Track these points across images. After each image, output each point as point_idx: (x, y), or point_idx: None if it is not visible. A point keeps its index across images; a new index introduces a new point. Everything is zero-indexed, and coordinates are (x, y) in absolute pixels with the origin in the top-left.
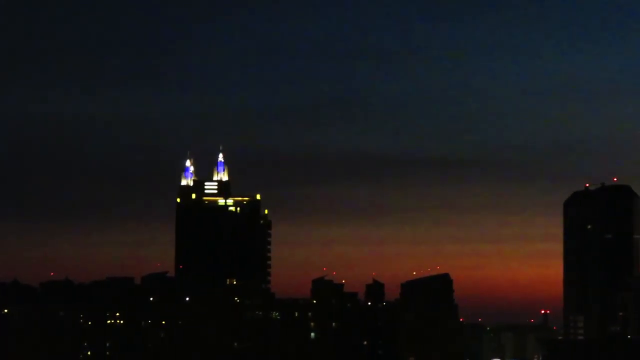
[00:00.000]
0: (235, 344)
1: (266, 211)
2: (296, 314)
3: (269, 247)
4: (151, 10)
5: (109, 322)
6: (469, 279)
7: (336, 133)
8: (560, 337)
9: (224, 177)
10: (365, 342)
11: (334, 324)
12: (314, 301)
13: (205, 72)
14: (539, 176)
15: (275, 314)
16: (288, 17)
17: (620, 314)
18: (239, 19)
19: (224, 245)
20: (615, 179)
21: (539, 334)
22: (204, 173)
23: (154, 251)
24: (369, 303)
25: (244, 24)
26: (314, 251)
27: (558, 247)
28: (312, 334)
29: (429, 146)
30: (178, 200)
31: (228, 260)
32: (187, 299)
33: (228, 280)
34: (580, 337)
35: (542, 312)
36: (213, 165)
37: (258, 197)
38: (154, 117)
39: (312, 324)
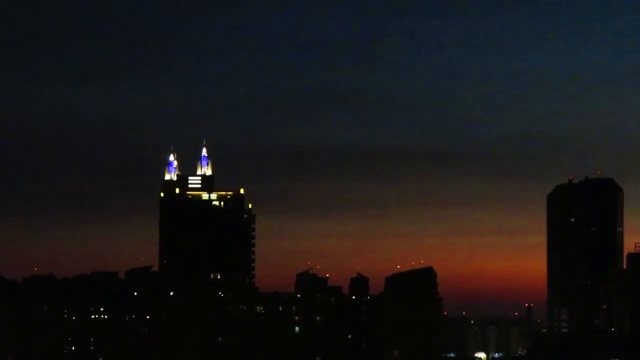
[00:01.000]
0: (220, 338)
1: (250, 205)
2: (280, 308)
3: (253, 241)
4: (133, 4)
5: (93, 317)
6: (453, 272)
7: (321, 127)
8: (544, 331)
9: (208, 171)
10: (349, 336)
11: (318, 318)
12: (298, 295)
13: (188, 66)
14: (523, 169)
15: (259, 308)
16: (272, 9)
17: (604, 307)
18: (223, 11)
19: (208, 239)
20: (598, 172)
21: (522, 327)
22: (187, 167)
23: (137, 246)
24: (353, 297)
25: (228, 17)
26: (298, 245)
27: (542, 241)
28: (297, 328)
29: (414, 141)
30: (162, 194)
31: (212, 255)
32: (171, 293)
33: (212, 274)
34: (564, 330)
35: (526, 305)
36: (197, 159)
37: (242, 191)
38: (137, 112)
39: (296, 318)
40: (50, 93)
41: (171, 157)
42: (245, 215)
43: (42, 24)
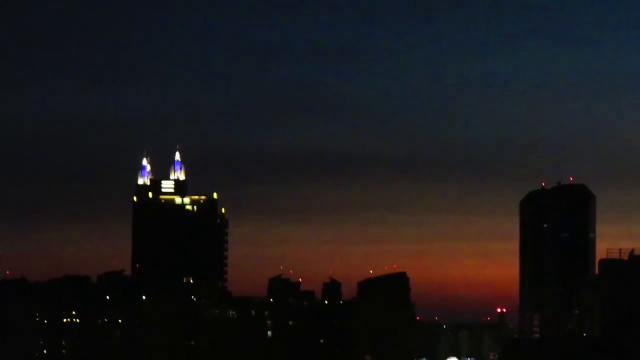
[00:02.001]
0: (192, 342)
1: (223, 210)
2: (253, 313)
3: (226, 245)
4: (106, 8)
5: (65, 320)
6: (425, 277)
7: (295, 132)
8: (516, 336)
9: (181, 175)
10: (321, 341)
11: (290, 322)
12: (271, 300)
13: (162, 70)
14: (495, 175)
15: (232, 313)
16: (245, 13)
17: (576, 312)
18: (196, 16)
19: (181, 244)
20: (571, 178)
21: (495, 332)
22: (160, 172)
23: (110, 250)
24: (326, 302)
25: (201, 21)
26: (271, 250)
27: (514, 246)
28: (269, 332)
29: (388, 146)
30: (135, 198)
31: (185, 259)
32: (144, 297)
33: (185, 278)
34: (536, 336)
35: (499, 310)
36: (170, 164)
37: (215, 195)
38: (110, 116)
39: (268, 322)
40: (21, 96)
41: (144, 162)
42: (218, 220)
43: (9, 25)
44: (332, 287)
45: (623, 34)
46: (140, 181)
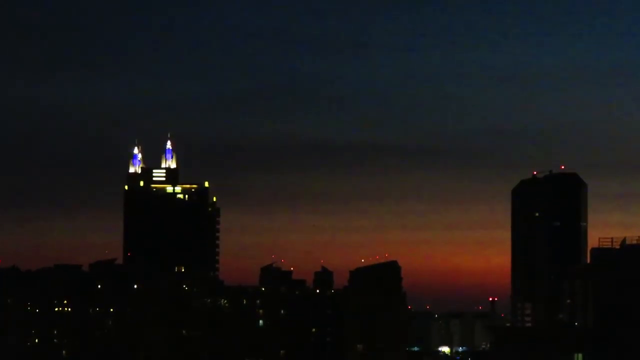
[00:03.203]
0: (184, 331)
1: (214, 199)
2: (244, 301)
3: (217, 234)
4: None
5: (56, 309)
6: (417, 266)
7: (287, 121)
8: (507, 325)
9: (172, 164)
10: (313, 330)
11: (282, 311)
12: (262, 289)
13: (154, 59)
14: (487, 164)
15: (223, 302)
16: (236, 4)
17: (568, 301)
18: (187, 6)
19: (172, 232)
20: (562, 167)
21: (486, 321)
22: (152, 160)
23: (102, 238)
24: (318, 291)
25: (192, 10)
26: (263, 239)
27: (506, 235)
28: (260, 322)
29: (379, 135)
30: (126, 187)
31: (176, 248)
32: (135, 286)
33: (176, 267)
34: (528, 325)
35: (490, 299)
36: (161, 152)
37: (206, 184)
38: (101, 104)
39: (260, 311)
40: (11, 84)
41: (135, 150)
42: (210, 209)
43: (3, 16)
44: (324, 276)
45: (614, 24)
46: (131, 170)
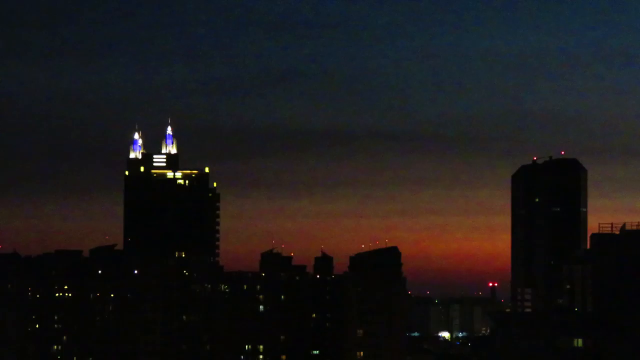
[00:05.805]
0: (184, 317)
1: (215, 184)
2: (244, 287)
3: (217, 220)
4: None
5: (57, 295)
6: (417, 252)
7: (286, 107)
8: (507, 310)
9: (173, 150)
10: (313, 315)
11: (282, 296)
12: (263, 274)
13: (154, 45)
14: (487, 150)
15: (223, 287)
16: None
17: (567, 286)
18: None
19: (173, 218)
20: (562, 153)
21: (486, 306)
22: (152, 146)
23: (102, 224)
24: (318, 276)
25: None
26: (263, 224)
27: (506, 221)
28: (261, 307)
29: (379, 121)
30: (126, 173)
31: (176, 233)
32: (136, 272)
33: (176, 253)
34: (528, 310)
35: (490, 284)
36: (162, 138)
37: (207, 170)
38: (102, 90)
39: (260, 296)
40: (10, 71)
41: (136, 136)
42: (210, 194)
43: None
44: (324, 261)
45: (618, 13)
46: (132, 155)
